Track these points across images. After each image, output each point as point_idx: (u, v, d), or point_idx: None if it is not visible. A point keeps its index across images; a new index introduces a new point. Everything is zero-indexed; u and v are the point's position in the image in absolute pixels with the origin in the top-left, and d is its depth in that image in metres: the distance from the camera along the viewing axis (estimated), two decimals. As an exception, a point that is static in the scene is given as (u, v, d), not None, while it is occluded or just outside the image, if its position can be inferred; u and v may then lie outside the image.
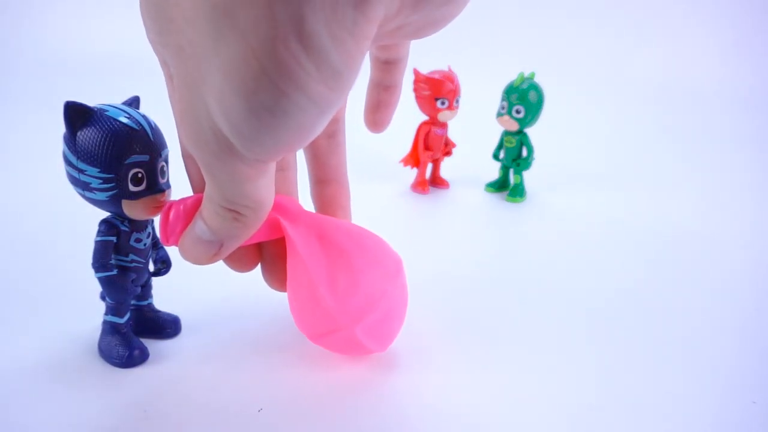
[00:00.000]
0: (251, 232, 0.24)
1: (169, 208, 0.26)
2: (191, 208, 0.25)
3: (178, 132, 0.25)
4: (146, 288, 0.32)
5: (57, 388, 0.28)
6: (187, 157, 0.27)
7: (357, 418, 0.26)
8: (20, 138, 0.68)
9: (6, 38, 0.91)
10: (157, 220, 0.30)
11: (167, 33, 0.20)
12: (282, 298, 0.30)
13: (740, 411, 0.28)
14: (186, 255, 0.25)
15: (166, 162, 0.29)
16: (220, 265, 0.41)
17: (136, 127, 0.27)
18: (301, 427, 0.26)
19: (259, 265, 0.30)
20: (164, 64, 0.23)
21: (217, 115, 0.18)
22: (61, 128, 0.27)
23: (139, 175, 0.27)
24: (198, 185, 0.27)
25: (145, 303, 0.32)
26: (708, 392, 0.29)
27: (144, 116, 0.28)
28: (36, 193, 0.51)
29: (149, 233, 0.30)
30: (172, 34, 0.20)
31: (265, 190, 0.22)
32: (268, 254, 0.29)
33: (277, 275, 0.29)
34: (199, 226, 0.24)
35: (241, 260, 0.29)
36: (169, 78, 0.23)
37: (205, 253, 0.24)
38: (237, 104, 0.18)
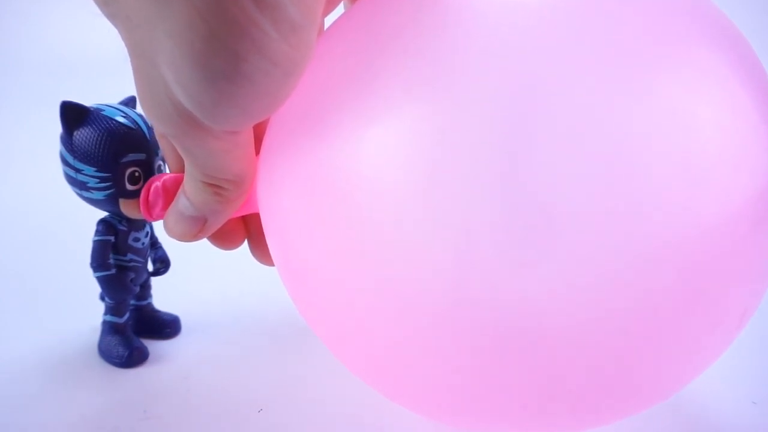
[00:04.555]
0: (235, 206, 0.23)
1: (149, 185, 0.25)
2: (172, 185, 0.25)
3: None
4: (145, 288, 0.32)
5: (57, 388, 0.28)
6: (160, 136, 0.26)
7: (358, 418, 0.26)
8: (20, 138, 0.68)
9: (6, 38, 0.91)
10: (156, 220, 0.30)
11: (112, 2, 0.18)
12: (278, 298, 0.30)
13: (740, 411, 0.28)
14: (171, 232, 0.24)
15: (163, 161, 0.29)
16: (219, 264, 0.41)
17: (132, 126, 0.27)
18: (301, 428, 0.26)
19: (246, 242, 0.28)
20: (120, 35, 0.21)
21: (174, 86, 0.17)
22: (59, 128, 0.27)
23: (136, 174, 0.27)
24: (175, 165, 0.26)
25: (144, 303, 0.32)
26: (708, 392, 0.29)
27: (140, 115, 0.28)
28: (35, 193, 0.51)
29: (147, 232, 0.30)
30: (117, 3, 0.18)
31: (243, 161, 0.21)
32: (255, 228, 0.28)
33: (266, 250, 0.27)
34: (182, 202, 0.23)
35: (226, 237, 0.27)
36: None
37: (189, 230, 0.23)
38: (191, 73, 0.16)
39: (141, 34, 0.17)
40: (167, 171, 0.29)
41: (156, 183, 0.25)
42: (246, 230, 0.28)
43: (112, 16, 0.19)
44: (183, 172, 0.23)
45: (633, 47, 0.14)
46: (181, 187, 0.23)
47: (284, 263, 0.21)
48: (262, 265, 0.29)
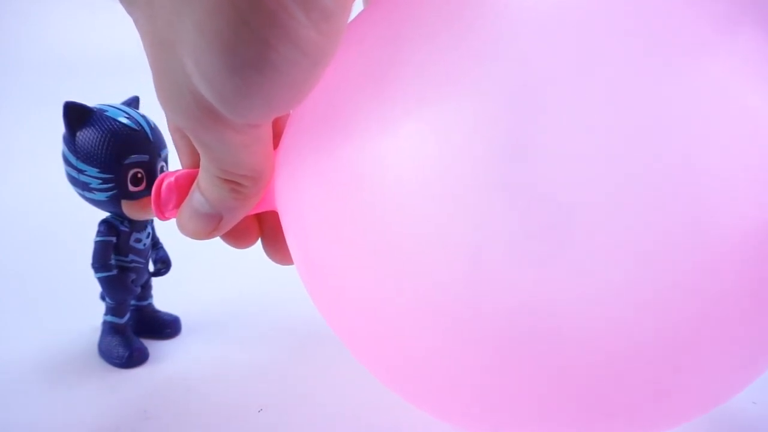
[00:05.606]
0: (252, 203, 0.22)
1: (161, 182, 0.24)
2: (184, 181, 0.24)
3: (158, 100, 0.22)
4: (146, 288, 0.32)
5: (57, 388, 0.28)
6: (173, 131, 0.25)
7: (358, 418, 0.26)
8: (21, 138, 0.68)
9: (6, 38, 0.91)
10: (157, 220, 0.30)
11: None
12: (278, 298, 0.30)
13: (740, 411, 0.28)
14: (184, 230, 0.23)
15: (166, 162, 0.29)
16: (220, 265, 0.41)
17: (135, 127, 0.27)
18: (301, 428, 0.26)
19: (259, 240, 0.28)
20: (137, 23, 0.20)
21: (196, 77, 0.16)
22: (61, 128, 0.27)
23: (139, 176, 0.27)
24: (188, 161, 0.25)
25: (145, 303, 0.32)
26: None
27: (143, 116, 0.28)
28: (36, 193, 0.51)
29: (149, 233, 0.30)
30: None
31: (262, 156, 0.20)
32: (269, 226, 0.27)
33: (280, 248, 0.26)
34: (196, 199, 0.22)
35: (240, 235, 0.26)
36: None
37: (204, 228, 0.22)
38: (216, 63, 0.15)
39: (162, 22, 0.17)
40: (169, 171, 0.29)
41: (168, 179, 0.24)
42: (260, 228, 0.27)
43: (130, 3, 0.18)
44: (196, 168, 0.22)
45: (678, 33, 0.14)
46: (195, 183, 0.22)
47: (304, 262, 0.21)
48: (265, 265, 0.28)
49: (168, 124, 0.25)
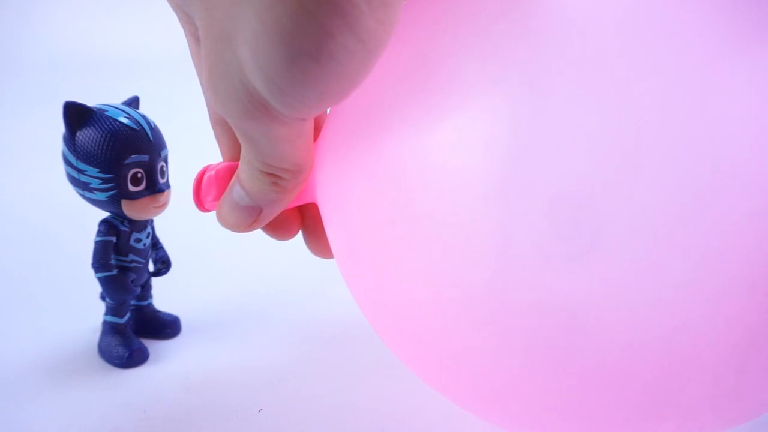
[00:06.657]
0: (292, 196, 0.22)
1: (202, 174, 0.24)
2: (224, 174, 0.24)
3: (204, 94, 0.22)
4: (146, 288, 0.32)
5: (57, 388, 0.28)
6: (216, 123, 0.25)
7: (358, 419, 0.26)
8: (20, 138, 0.68)
9: (6, 38, 0.91)
10: (157, 220, 0.31)
11: None
12: (278, 298, 0.30)
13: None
14: (224, 222, 0.23)
15: (166, 162, 0.29)
16: (220, 265, 0.41)
17: (135, 127, 0.27)
18: (301, 427, 0.26)
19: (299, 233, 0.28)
20: (186, 21, 0.21)
21: (251, 68, 0.16)
22: (61, 128, 0.27)
23: (139, 175, 0.27)
24: (228, 154, 0.25)
25: (145, 303, 0.32)
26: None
27: (143, 116, 0.28)
28: (36, 193, 0.51)
29: (149, 233, 0.30)
30: None
31: (304, 150, 0.21)
32: (310, 218, 0.27)
33: (320, 241, 0.27)
34: (236, 191, 0.22)
35: (281, 227, 0.26)
36: (192, 36, 0.22)
37: (244, 220, 0.23)
38: (274, 52, 0.16)
39: (221, 13, 0.17)
40: (168, 173, 0.29)
41: (209, 172, 0.24)
42: (301, 220, 0.27)
43: None
44: (236, 161, 0.23)
45: (711, 35, 0.14)
46: (234, 176, 0.23)
47: (344, 254, 0.21)
48: (266, 265, 0.29)
49: (210, 116, 0.25)
